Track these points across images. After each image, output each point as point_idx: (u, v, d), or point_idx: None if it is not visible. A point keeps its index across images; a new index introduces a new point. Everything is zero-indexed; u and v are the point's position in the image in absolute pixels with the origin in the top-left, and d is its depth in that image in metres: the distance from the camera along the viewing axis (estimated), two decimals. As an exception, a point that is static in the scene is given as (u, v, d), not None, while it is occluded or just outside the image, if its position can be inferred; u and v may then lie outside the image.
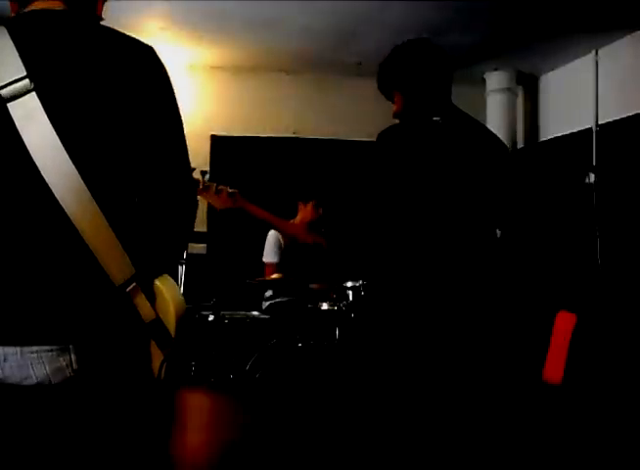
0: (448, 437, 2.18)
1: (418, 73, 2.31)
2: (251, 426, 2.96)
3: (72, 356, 1.25)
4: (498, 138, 2.37)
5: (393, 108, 2.38)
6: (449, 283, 2.16)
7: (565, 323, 4.20)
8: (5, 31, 1.30)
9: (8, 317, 1.26)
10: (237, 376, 3.29)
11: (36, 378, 1.24)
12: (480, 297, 2.20)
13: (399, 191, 2.22)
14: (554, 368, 4.13)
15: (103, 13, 1.52)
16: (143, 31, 4.78)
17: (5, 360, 1.24)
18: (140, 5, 4.35)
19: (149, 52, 1.39)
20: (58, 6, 1.38)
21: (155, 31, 4.85)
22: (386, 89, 2.40)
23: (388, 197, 2.24)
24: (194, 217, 1.46)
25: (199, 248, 4.26)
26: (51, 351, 1.24)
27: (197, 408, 2.96)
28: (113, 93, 1.31)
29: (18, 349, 1.24)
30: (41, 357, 1.24)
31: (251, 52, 5.44)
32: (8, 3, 1.45)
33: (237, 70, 5.83)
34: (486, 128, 2.39)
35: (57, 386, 1.26)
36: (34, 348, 1.24)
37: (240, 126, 5.85)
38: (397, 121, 2.38)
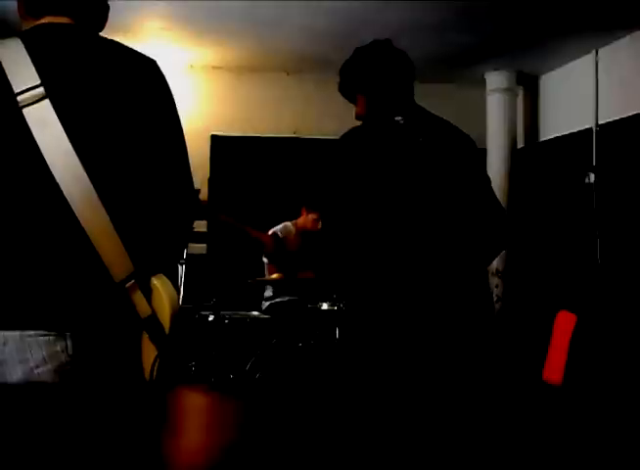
0: (448, 438, 2.18)
1: (379, 75, 2.32)
2: (250, 426, 2.96)
3: (69, 343, 1.33)
4: (464, 134, 2.34)
5: (356, 110, 2.39)
6: (427, 292, 2.15)
7: (565, 323, 4.20)
8: (20, 42, 1.39)
9: (12, 304, 1.34)
10: (237, 376, 3.30)
11: (33, 361, 1.31)
12: (458, 303, 2.19)
13: (366, 196, 2.21)
14: (554, 368, 4.13)
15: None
16: (144, 32, 4.78)
17: (5, 344, 1.32)
18: (141, 5, 4.35)
19: (152, 65, 1.49)
20: (67, 21, 1.48)
21: (156, 31, 4.85)
22: (348, 92, 2.41)
23: (355, 203, 2.23)
24: (192, 220, 1.55)
25: (199, 248, 4.25)
26: (49, 335, 1.32)
27: (196, 408, 2.97)
28: (119, 102, 1.41)
29: (18, 333, 1.32)
30: (39, 342, 1.32)
31: (252, 52, 5.45)
32: (7, 5, 1.51)
33: (238, 70, 5.84)
34: (451, 125, 2.36)
35: (48, 383, 1.31)
36: (33, 332, 1.32)
37: (240, 126, 5.86)
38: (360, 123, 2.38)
